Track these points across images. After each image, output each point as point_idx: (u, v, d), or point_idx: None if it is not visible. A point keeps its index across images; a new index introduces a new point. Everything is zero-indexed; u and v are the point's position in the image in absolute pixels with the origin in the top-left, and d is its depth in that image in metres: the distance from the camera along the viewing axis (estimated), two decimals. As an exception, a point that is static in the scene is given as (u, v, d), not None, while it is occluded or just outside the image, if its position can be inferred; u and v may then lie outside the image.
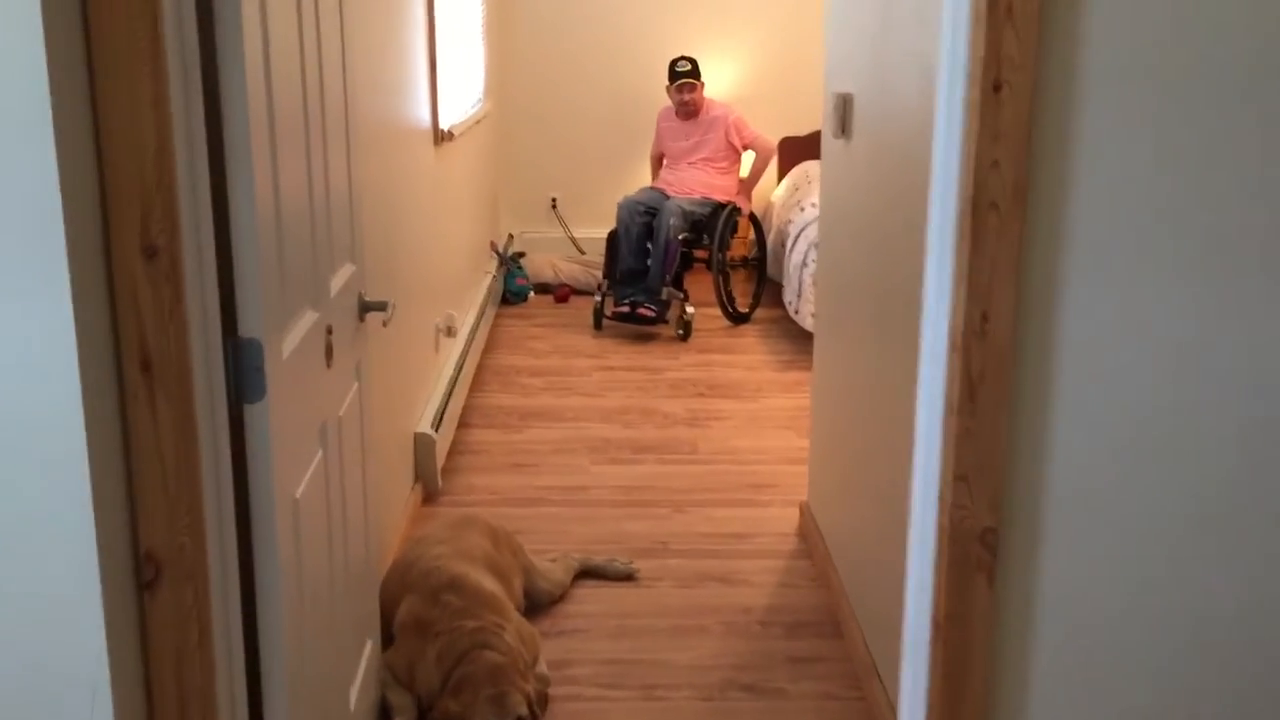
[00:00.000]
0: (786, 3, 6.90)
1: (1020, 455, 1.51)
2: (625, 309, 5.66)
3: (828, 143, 3.21)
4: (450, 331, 4.29)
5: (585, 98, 6.97)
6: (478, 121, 5.27)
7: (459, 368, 4.38)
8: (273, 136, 1.66)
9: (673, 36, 6.84)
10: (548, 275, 6.58)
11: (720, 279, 5.82)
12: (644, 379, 5.05)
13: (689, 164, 6.13)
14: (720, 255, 5.80)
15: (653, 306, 5.62)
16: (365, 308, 2.35)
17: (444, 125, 4.22)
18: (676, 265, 5.75)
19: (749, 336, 5.72)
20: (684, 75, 6.02)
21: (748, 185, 6.24)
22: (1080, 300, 1.46)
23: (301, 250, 1.85)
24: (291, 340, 1.77)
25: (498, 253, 6.25)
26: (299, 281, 1.84)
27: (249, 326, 1.59)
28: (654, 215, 5.83)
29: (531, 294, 6.44)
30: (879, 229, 2.67)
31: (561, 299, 6.43)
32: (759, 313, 6.12)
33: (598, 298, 5.86)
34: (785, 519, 3.64)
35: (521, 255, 6.70)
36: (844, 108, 2.97)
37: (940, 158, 1.47)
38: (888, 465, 2.60)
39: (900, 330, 2.45)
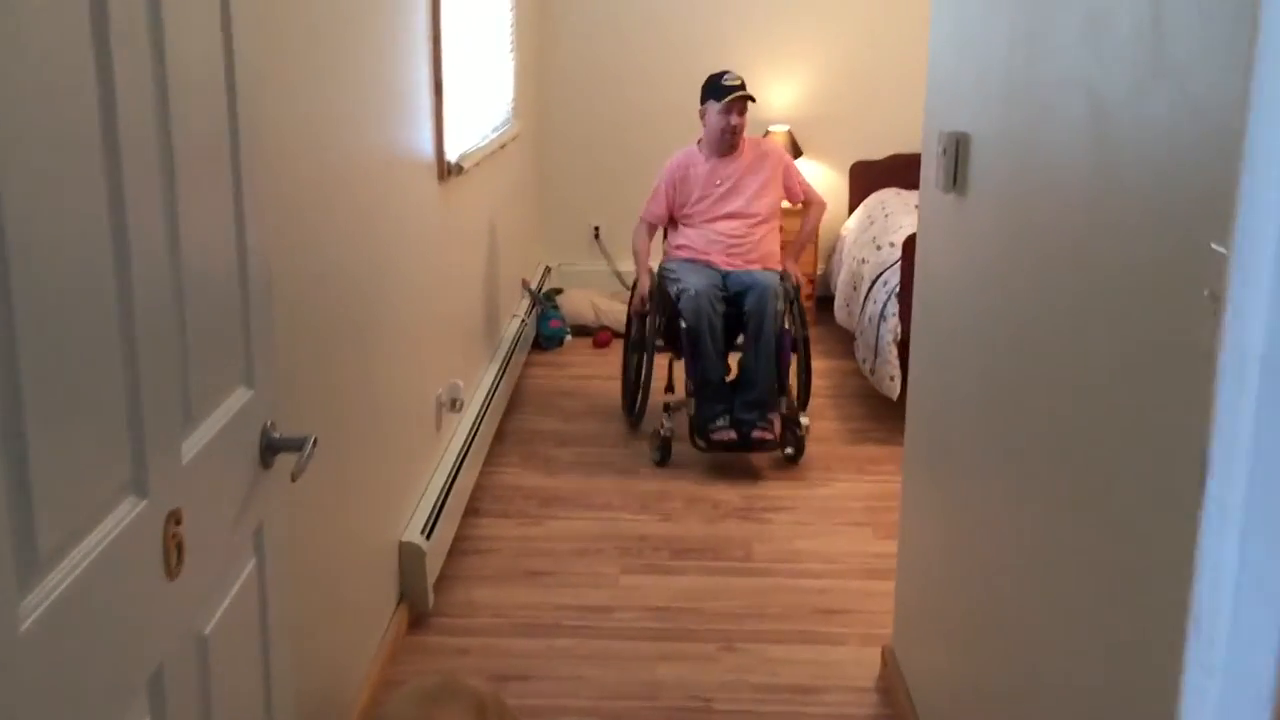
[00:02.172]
0: (855, 15, 6.11)
1: None
2: (729, 435, 4.04)
3: (930, 196, 2.44)
4: (455, 405, 3.56)
5: (631, 116, 6.23)
6: (503, 146, 4.55)
7: (467, 445, 3.66)
8: None
9: (726, 50, 6.07)
10: (587, 316, 5.84)
11: (808, 369, 4.38)
12: (692, 451, 4.29)
13: (730, 221, 4.40)
14: (807, 338, 4.38)
15: (768, 426, 4.08)
16: (273, 448, 1.62)
17: (451, 157, 3.49)
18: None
19: (817, 398, 4.92)
20: (737, 90, 4.31)
21: (795, 251, 4.64)
22: None
23: (90, 407, 1.13)
24: (57, 578, 1.04)
25: (529, 291, 5.53)
26: (86, 465, 1.12)
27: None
28: (732, 303, 4.23)
29: (568, 337, 5.70)
30: (1015, 322, 1.90)
31: (601, 344, 5.69)
32: (828, 364, 5.32)
33: (666, 423, 4.19)
34: (863, 665, 2.87)
35: (557, 293, 5.97)
36: (956, 152, 2.20)
37: (1257, 313, 0.70)
38: (1010, 623, 1.82)
39: (1048, 460, 1.68)
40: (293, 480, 1.60)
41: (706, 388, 4.13)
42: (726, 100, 4.32)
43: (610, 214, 6.34)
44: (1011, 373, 1.91)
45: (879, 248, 5.04)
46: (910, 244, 4.37)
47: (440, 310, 3.56)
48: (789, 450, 4.15)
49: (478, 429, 3.85)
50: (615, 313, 5.84)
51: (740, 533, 3.62)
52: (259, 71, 1.61)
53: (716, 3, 6.10)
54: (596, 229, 6.39)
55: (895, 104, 6.14)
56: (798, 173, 4.62)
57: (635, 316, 4.51)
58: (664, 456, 4.17)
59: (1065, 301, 1.64)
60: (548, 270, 6.20)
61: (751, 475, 4.06)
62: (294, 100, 2.12)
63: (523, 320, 5.21)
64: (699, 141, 4.51)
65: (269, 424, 1.62)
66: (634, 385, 4.49)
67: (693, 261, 4.38)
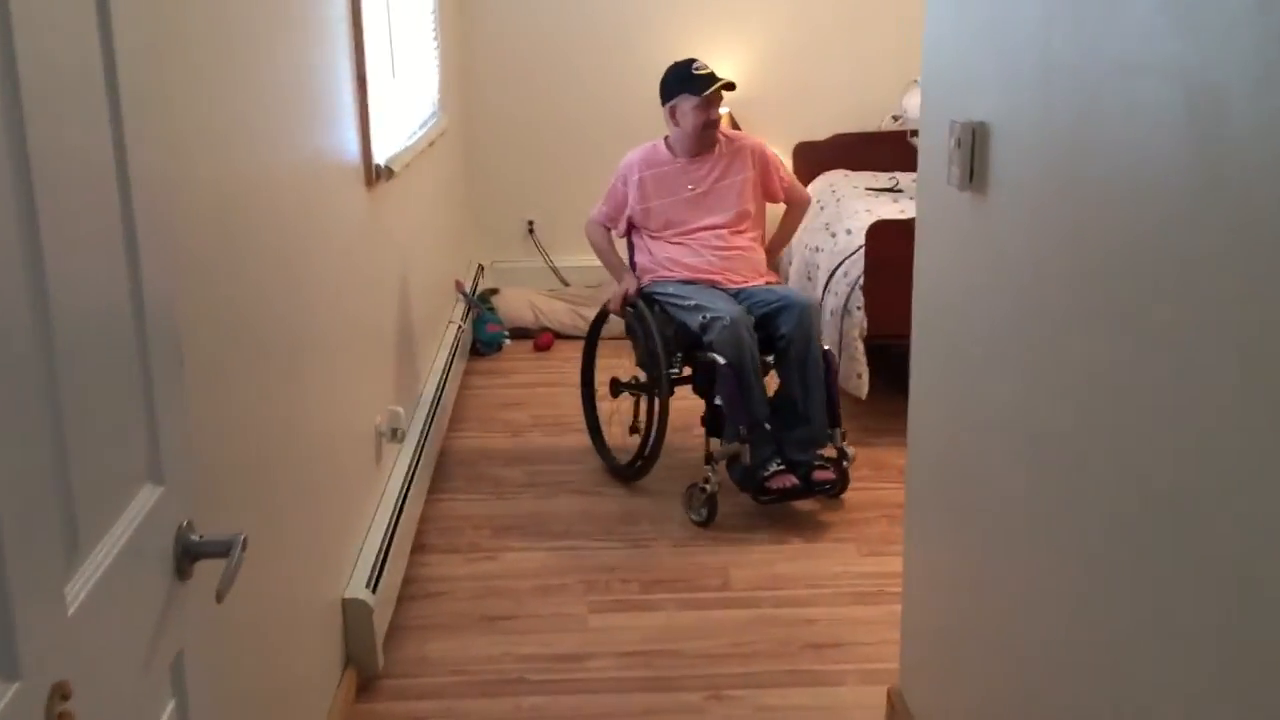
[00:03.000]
0: (798, -16, 5.83)
1: None
2: (790, 481, 3.46)
3: (935, 192, 2.15)
4: (397, 435, 3.22)
5: (562, 104, 5.90)
6: (432, 143, 4.20)
7: (410, 476, 3.32)
8: None
9: (660, 29, 5.76)
10: (526, 317, 5.51)
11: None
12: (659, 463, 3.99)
13: (713, 232, 3.81)
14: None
15: (827, 464, 3.56)
16: (191, 554, 1.29)
17: (380, 160, 3.15)
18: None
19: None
20: (713, 80, 3.75)
21: (772, 258, 4.09)
22: None
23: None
24: None
25: (464, 294, 5.17)
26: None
27: None
28: (758, 326, 3.61)
29: (507, 341, 5.36)
30: (1057, 339, 1.63)
31: (543, 346, 5.35)
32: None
33: (712, 476, 3.50)
34: (867, 708, 2.60)
35: (493, 293, 5.63)
36: (973, 144, 1.92)
37: None
38: (1042, 664, 1.55)
39: (1093, 486, 1.40)
40: (218, 600, 1.27)
41: (754, 429, 3.49)
42: (706, 94, 3.72)
43: (544, 207, 6.01)
44: (1050, 393, 1.65)
45: (833, 235, 4.77)
46: (874, 232, 4.12)
47: (375, 331, 3.21)
48: (833, 486, 3.59)
49: (420, 456, 3.52)
50: (555, 312, 5.52)
51: (714, 557, 3.33)
52: (151, 71, 1.28)
53: (647, -20, 5.78)
54: (530, 223, 6.05)
55: (836, 82, 5.89)
56: (780, 167, 4.00)
57: (613, 314, 3.99)
58: (710, 516, 3.50)
59: (1140, 323, 1.37)
60: (481, 269, 5.86)
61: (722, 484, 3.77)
62: (195, 104, 1.77)
63: (459, 326, 4.86)
64: (665, 139, 3.92)
65: (185, 524, 1.29)
66: (597, 429, 4.00)
67: (693, 282, 3.74)
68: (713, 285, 3.74)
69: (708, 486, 3.50)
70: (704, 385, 3.66)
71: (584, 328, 5.44)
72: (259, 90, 2.15)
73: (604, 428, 4.03)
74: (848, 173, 5.69)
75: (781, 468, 3.48)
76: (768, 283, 3.85)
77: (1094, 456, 1.52)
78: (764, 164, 3.92)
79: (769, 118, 5.92)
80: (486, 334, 5.24)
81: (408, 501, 3.22)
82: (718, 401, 3.53)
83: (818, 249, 4.88)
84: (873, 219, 4.53)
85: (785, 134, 5.94)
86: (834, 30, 5.84)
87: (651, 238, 3.89)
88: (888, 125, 5.38)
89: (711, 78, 3.76)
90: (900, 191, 5.26)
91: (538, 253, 6.06)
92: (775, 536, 3.45)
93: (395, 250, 3.58)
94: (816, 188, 5.60)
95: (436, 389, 4.06)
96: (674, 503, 3.66)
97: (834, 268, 4.50)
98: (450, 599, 3.12)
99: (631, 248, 4.03)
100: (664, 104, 3.85)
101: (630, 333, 3.92)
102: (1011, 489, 1.83)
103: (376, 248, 3.26)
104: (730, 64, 5.84)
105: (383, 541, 2.93)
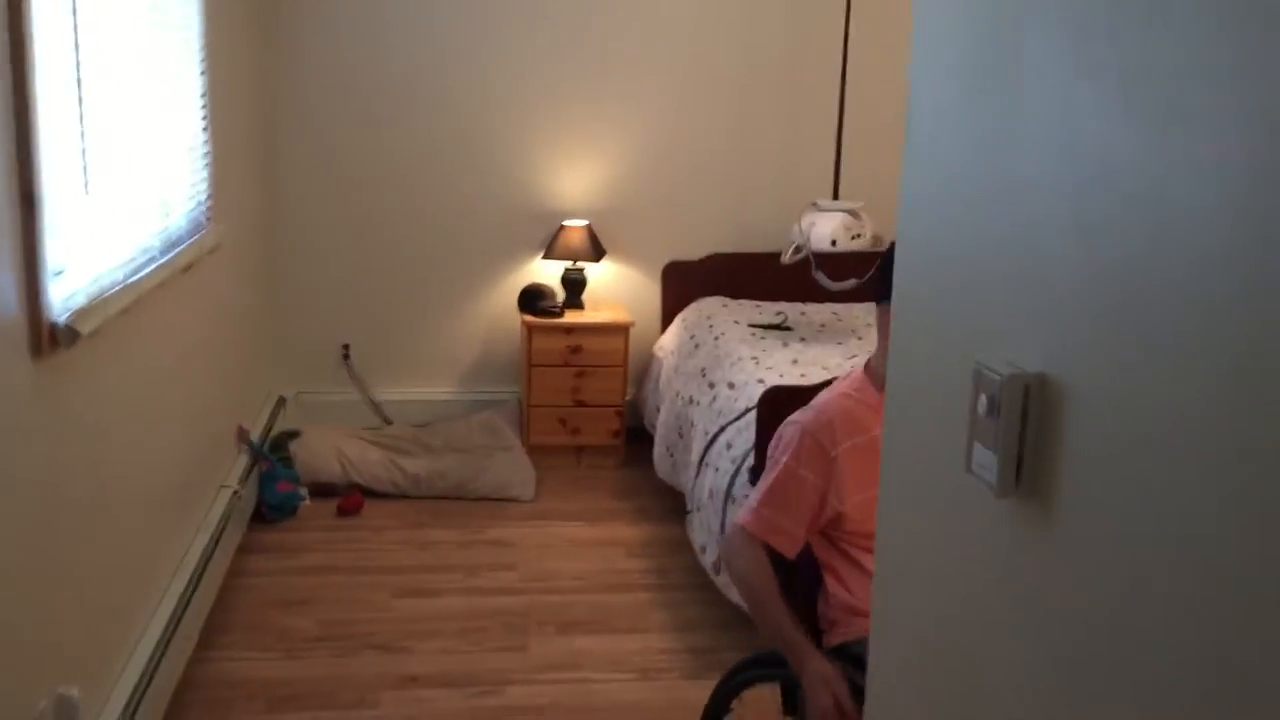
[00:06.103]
0: (662, 90, 5.01)
1: None
2: None
3: (929, 477, 1.24)
4: (68, 728, 2.16)
5: (388, 209, 4.92)
6: (187, 267, 3.16)
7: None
8: None
9: (504, 131, 4.87)
10: (331, 469, 4.44)
11: None
12: (484, 700, 2.99)
13: None
14: None
15: None
16: None
17: (59, 317, 2.12)
18: None
19: (634, 590, 3.70)
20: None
21: None
22: None
23: None
24: None
25: (249, 444, 4.10)
26: None
27: None
28: None
29: (305, 503, 4.28)
30: None
31: (349, 509, 4.28)
32: (642, 531, 4.12)
33: None
34: None
35: (292, 436, 4.57)
36: (1024, 416, 1.02)
37: None
38: None
39: None
40: None
41: None
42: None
43: (362, 329, 5.01)
44: None
45: (711, 386, 3.90)
46: (768, 403, 3.24)
47: (48, 565, 2.16)
48: None
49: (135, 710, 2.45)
50: (368, 464, 4.49)
51: None
52: None
53: (490, 76, 4.87)
54: (346, 348, 5.02)
55: (712, 195, 5.07)
56: None
57: None
58: None
59: None
60: (282, 402, 4.79)
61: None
62: None
63: (236, 491, 3.78)
64: (867, 364, 2.29)
65: None
66: None
67: None
68: None
69: None
70: None
71: (404, 484, 4.40)
72: None
73: None
74: (726, 301, 4.84)
75: None
76: None
77: None
78: None
79: (634, 235, 5.06)
80: (276, 495, 4.16)
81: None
82: None
83: (691, 400, 4.00)
84: (761, 371, 3.70)
85: (653, 253, 5.09)
86: (706, 137, 5.03)
87: (862, 549, 2.18)
88: (790, 258, 4.27)
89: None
90: (790, 330, 4.43)
91: (353, 383, 5.03)
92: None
93: (100, 430, 2.52)
94: (689, 319, 4.74)
95: (185, 591, 2.98)
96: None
97: (713, 434, 3.60)
98: None
99: (819, 580, 2.26)
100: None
101: None
102: None
103: (56, 440, 2.21)
104: (586, 174, 4.98)
105: None
